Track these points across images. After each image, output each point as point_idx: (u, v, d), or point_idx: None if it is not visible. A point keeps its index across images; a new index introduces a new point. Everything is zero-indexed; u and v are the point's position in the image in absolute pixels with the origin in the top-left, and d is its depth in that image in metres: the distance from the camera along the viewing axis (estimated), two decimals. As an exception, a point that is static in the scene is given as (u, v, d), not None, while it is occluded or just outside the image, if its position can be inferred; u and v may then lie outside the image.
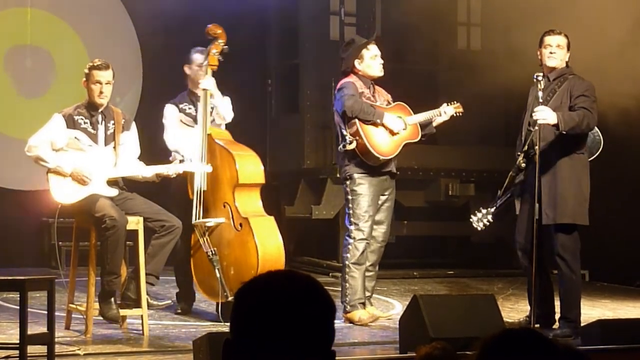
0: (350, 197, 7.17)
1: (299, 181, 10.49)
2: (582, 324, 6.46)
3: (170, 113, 7.34)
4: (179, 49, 10.29)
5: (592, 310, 7.57)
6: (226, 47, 7.07)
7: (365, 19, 10.62)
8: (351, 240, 7.12)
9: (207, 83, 7.05)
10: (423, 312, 5.59)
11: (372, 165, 7.15)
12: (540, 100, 6.52)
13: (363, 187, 7.14)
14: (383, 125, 7.14)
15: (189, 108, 7.29)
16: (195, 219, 6.87)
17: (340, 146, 7.12)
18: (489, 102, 10.06)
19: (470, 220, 6.88)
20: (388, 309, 7.75)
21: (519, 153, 6.69)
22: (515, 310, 7.69)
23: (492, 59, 8.77)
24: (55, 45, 10.38)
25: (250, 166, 7.00)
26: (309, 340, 1.87)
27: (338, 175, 8.24)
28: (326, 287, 1.97)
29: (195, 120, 7.23)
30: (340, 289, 7.21)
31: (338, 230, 9.85)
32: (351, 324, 6.94)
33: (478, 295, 7.83)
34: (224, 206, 6.90)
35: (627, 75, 7.65)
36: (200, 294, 7.16)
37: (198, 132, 7.07)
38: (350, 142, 7.05)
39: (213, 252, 6.78)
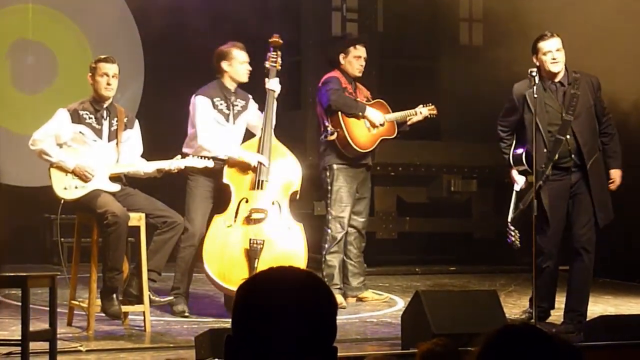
0: (328, 187, 7.65)
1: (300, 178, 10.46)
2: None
3: (205, 106, 7.08)
4: (181, 46, 10.33)
5: (595, 306, 7.56)
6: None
7: (367, 15, 10.61)
8: (329, 231, 7.64)
9: (275, 84, 7.22)
10: (425, 308, 5.58)
11: (350, 157, 7.61)
12: (535, 96, 6.45)
13: (341, 178, 7.63)
14: (365, 117, 7.62)
15: (221, 104, 7.14)
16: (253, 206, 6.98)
17: (322, 136, 7.57)
18: (491, 98, 10.04)
19: (512, 245, 6.77)
20: (390, 306, 7.76)
21: (543, 165, 6.51)
22: (517, 306, 7.68)
23: (494, 55, 8.75)
24: (57, 40, 10.39)
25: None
26: (310, 337, 1.87)
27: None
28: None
29: (227, 118, 7.16)
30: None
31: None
32: (353, 320, 6.97)
33: (480, 291, 7.83)
34: (272, 204, 7.03)
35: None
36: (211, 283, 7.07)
37: (229, 130, 7.13)
38: (332, 133, 7.51)
39: (259, 242, 6.83)
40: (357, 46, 7.75)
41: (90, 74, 6.63)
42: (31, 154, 6.59)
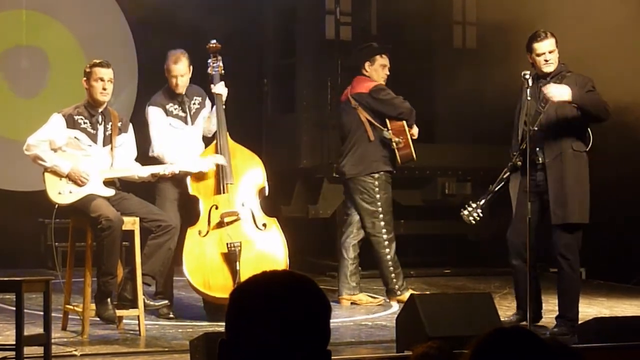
0: (377, 195, 7.78)
1: (295, 181, 10.48)
2: (579, 322, 6.47)
3: (157, 116, 7.14)
4: (175, 49, 10.31)
5: (589, 309, 7.57)
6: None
7: (361, 18, 10.61)
8: (385, 237, 7.84)
9: (221, 88, 7.22)
10: (420, 311, 5.59)
11: (394, 165, 7.83)
12: (529, 99, 6.49)
13: (387, 185, 7.87)
14: (412, 127, 7.79)
15: (175, 109, 7.16)
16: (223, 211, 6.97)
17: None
18: (485, 100, 10.06)
19: (461, 214, 6.95)
20: (385, 309, 7.77)
21: (514, 153, 6.68)
22: (512, 309, 7.65)
23: (487, 58, 8.77)
24: (50, 45, 10.37)
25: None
26: (304, 340, 1.87)
27: (335, 175, 8.54)
28: (322, 287, 1.97)
29: (184, 121, 7.16)
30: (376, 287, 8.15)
31: (335, 230, 9.83)
32: (347, 323, 6.95)
33: (475, 293, 7.83)
34: (242, 205, 7.02)
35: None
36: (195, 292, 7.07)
37: (189, 132, 7.14)
38: (398, 142, 7.66)
39: (236, 245, 6.82)
40: (384, 55, 7.93)
41: (84, 79, 6.62)
42: (25, 158, 6.59)
